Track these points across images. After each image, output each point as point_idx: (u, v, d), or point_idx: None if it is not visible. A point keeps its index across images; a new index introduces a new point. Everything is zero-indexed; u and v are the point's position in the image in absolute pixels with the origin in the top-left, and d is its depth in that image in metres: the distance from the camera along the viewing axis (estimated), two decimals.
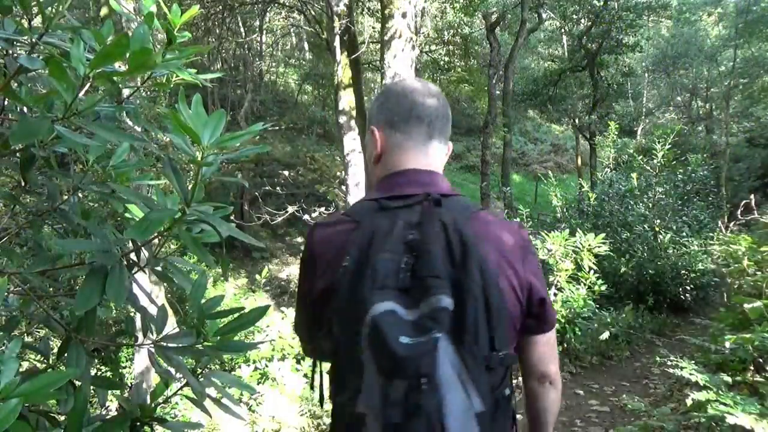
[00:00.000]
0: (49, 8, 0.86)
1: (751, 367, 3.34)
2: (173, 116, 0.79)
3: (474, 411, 0.83)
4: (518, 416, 1.08)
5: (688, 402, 2.83)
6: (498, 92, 13.70)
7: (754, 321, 3.39)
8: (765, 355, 3.30)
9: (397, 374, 0.82)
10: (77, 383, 0.95)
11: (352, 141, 6.49)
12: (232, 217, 8.52)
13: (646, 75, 20.97)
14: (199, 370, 1.03)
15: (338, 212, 1.13)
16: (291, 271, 11.20)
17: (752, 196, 8.64)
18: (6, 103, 1.02)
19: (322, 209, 11.11)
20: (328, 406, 1.02)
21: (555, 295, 5.27)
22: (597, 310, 5.50)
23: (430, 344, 0.82)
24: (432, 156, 1.08)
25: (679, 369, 3.08)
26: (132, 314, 2.27)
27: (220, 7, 9.29)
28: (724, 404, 2.59)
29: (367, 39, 10.66)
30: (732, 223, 8.35)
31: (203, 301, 1.01)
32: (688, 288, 6.38)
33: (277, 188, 11.39)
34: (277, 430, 4.00)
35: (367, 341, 0.83)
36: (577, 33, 14.49)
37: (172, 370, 1.02)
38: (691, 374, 2.96)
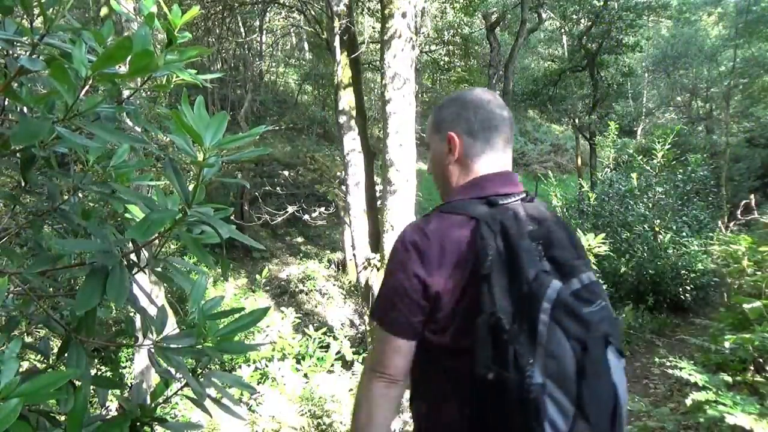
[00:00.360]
0: (51, 9, 0.86)
1: (751, 367, 3.34)
2: (176, 117, 0.80)
3: (621, 365, 0.99)
4: None
5: (688, 402, 2.83)
6: (498, 92, 13.70)
7: (754, 321, 3.40)
8: (765, 355, 3.30)
9: (586, 337, 0.95)
10: (77, 383, 0.95)
11: (351, 141, 6.49)
12: (232, 218, 8.49)
13: (646, 75, 20.97)
14: (199, 371, 1.03)
15: (436, 211, 1.15)
16: (291, 271, 11.20)
17: (752, 196, 8.64)
18: (6, 103, 1.02)
19: (322, 209, 11.12)
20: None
21: None
22: None
23: (606, 311, 1.00)
24: (509, 160, 1.22)
25: (679, 369, 3.08)
26: (132, 314, 2.27)
27: (220, 7, 9.29)
28: (724, 404, 2.59)
29: (367, 39, 10.66)
30: (732, 223, 8.36)
31: (203, 301, 1.02)
32: (688, 288, 6.38)
33: (277, 188, 11.39)
34: (277, 430, 4.00)
35: (550, 317, 0.94)
36: (577, 33, 14.48)
37: (172, 370, 1.02)
38: (690, 375, 2.96)
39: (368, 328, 6.19)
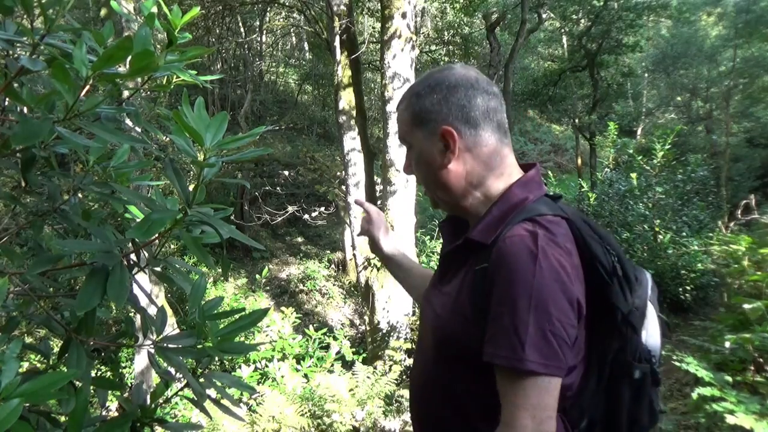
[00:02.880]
0: (51, 9, 0.86)
1: (751, 367, 3.34)
2: (176, 118, 0.80)
3: None
4: None
5: (694, 396, 2.83)
6: None
7: (754, 321, 3.40)
8: (765, 355, 3.31)
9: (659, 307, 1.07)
10: (78, 384, 0.95)
11: (351, 141, 6.50)
12: (232, 218, 8.52)
13: (646, 75, 20.96)
14: (200, 371, 1.03)
15: (545, 214, 0.95)
16: (291, 271, 11.20)
17: (752, 196, 8.65)
18: (7, 103, 1.02)
19: (322, 209, 11.12)
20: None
21: None
22: None
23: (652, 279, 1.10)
24: None
25: (686, 364, 3.08)
26: (132, 315, 2.27)
27: (220, 7, 9.29)
28: (728, 401, 2.60)
29: (367, 39, 10.66)
30: (732, 223, 8.36)
31: (203, 302, 1.01)
32: (688, 288, 6.38)
33: (277, 188, 11.39)
34: (277, 430, 4.00)
35: (650, 299, 1.03)
36: (577, 33, 14.48)
37: (172, 371, 1.02)
38: (696, 370, 2.96)
39: (368, 328, 6.20)
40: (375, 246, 1.43)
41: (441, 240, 1.30)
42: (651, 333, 1.01)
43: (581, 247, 0.95)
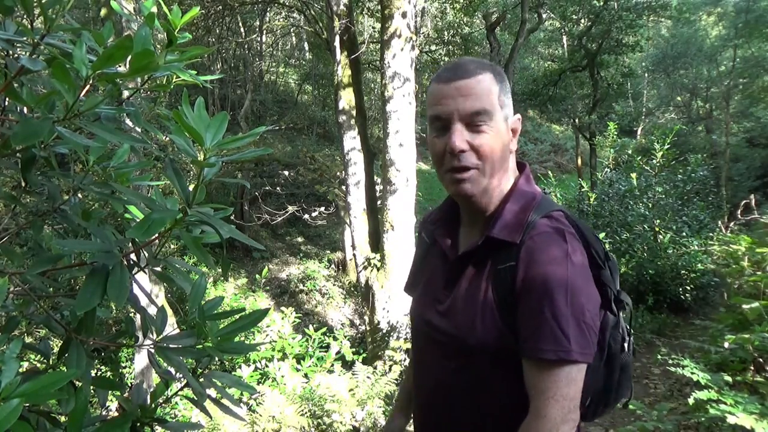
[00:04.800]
0: (51, 9, 0.86)
1: (751, 367, 3.34)
2: (176, 118, 0.80)
3: None
4: None
5: (690, 401, 2.83)
6: None
7: (753, 321, 3.40)
8: (765, 355, 3.31)
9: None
10: (78, 384, 0.95)
11: (351, 140, 6.49)
12: (232, 218, 8.52)
13: (646, 75, 20.97)
14: (200, 371, 1.03)
15: (556, 209, 1.02)
16: (291, 271, 11.20)
17: (752, 196, 8.65)
18: (7, 103, 1.02)
19: (322, 209, 11.11)
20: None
21: None
22: None
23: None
24: None
25: (681, 368, 3.09)
26: (132, 314, 2.28)
27: (220, 7, 9.29)
28: (725, 403, 2.59)
29: (367, 39, 10.66)
30: (732, 223, 8.36)
31: (203, 302, 1.01)
32: (688, 288, 6.38)
33: (277, 188, 11.39)
34: (277, 430, 4.00)
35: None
36: (577, 33, 14.48)
37: (173, 371, 1.02)
38: (692, 373, 2.96)
39: (368, 328, 6.20)
40: None
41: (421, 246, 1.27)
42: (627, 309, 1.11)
43: (580, 236, 1.00)
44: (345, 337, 6.97)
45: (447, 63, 1.14)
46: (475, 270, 1.03)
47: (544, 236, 0.95)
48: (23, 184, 1.08)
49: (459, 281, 1.05)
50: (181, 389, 1.05)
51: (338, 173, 9.10)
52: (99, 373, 5.86)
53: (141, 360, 5.32)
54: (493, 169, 1.02)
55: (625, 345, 1.06)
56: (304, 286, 10.44)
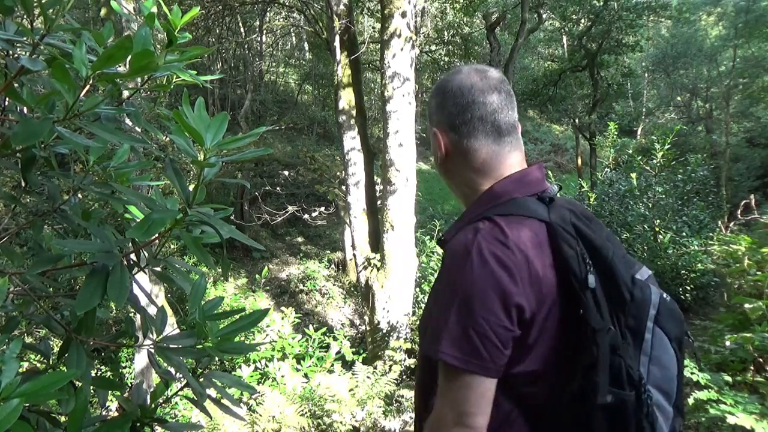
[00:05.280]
0: (51, 9, 0.86)
1: (751, 367, 3.34)
2: (177, 118, 0.80)
3: None
4: None
5: (690, 401, 2.83)
6: None
7: (754, 321, 3.40)
8: (765, 355, 3.30)
9: (682, 334, 0.94)
10: (78, 384, 0.95)
11: (351, 140, 6.49)
12: (232, 218, 8.52)
13: (646, 75, 20.97)
14: (200, 371, 1.03)
15: (511, 214, 0.95)
16: (291, 271, 11.20)
17: (752, 196, 8.65)
18: (7, 103, 1.02)
19: (322, 209, 11.12)
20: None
21: None
22: None
23: (674, 302, 0.96)
24: (516, 148, 1.11)
25: None
26: (132, 314, 2.28)
27: (220, 7, 9.29)
28: (725, 403, 2.59)
29: (367, 39, 10.66)
30: (732, 223, 8.36)
31: (203, 302, 1.01)
32: (688, 288, 6.37)
33: (277, 188, 11.40)
34: (277, 430, 4.00)
35: (654, 322, 0.91)
36: (577, 33, 14.48)
37: (172, 371, 1.02)
38: (692, 373, 2.96)
39: (368, 328, 6.20)
40: None
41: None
42: (658, 361, 0.90)
43: (555, 255, 0.91)
44: (345, 337, 6.97)
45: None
46: None
47: (458, 237, 0.93)
48: (23, 184, 1.08)
49: None
50: (181, 389, 1.05)
51: (338, 173, 9.11)
52: (99, 373, 5.86)
53: (141, 360, 5.32)
54: (443, 177, 1.12)
55: (608, 397, 0.86)
56: (304, 286, 10.44)
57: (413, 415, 4.22)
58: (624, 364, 0.86)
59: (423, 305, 6.10)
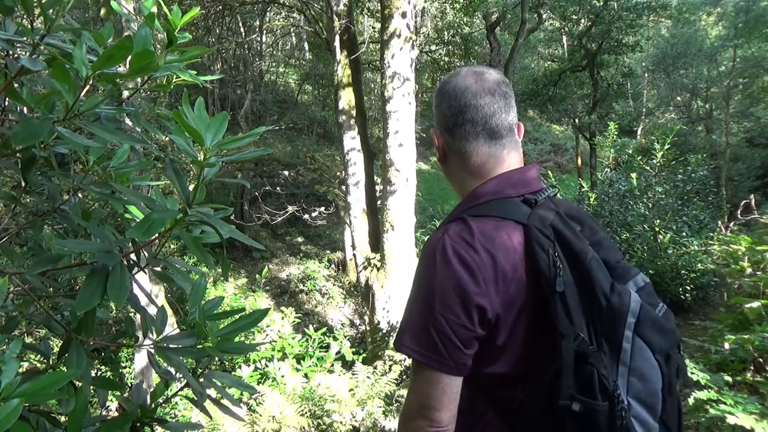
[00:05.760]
0: (51, 9, 0.86)
1: (751, 367, 3.34)
2: (177, 118, 0.80)
3: None
4: None
5: (690, 401, 2.83)
6: None
7: (753, 321, 3.40)
8: (765, 355, 3.30)
9: (669, 347, 0.89)
10: (78, 384, 0.95)
11: (351, 140, 6.49)
12: (232, 218, 8.53)
13: (646, 75, 20.97)
14: (200, 371, 1.03)
15: (459, 211, 0.97)
16: (291, 271, 11.20)
17: (752, 196, 8.66)
18: (7, 103, 1.02)
19: (322, 209, 11.12)
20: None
21: None
22: None
23: (669, 314, 0.92)
24: (512, 150, 1.11)
25: None
26: (132, 314, 2.28)
27: (220, 7, 9.29)
28: (725, 403, 2.59)
29: (367, 39, 10.66)
30: (732, 223, 8.36)
31: (203, 302, 1.01)
32: (688, 288, 6.37)
33: (277, 188, 11.40)
34: (277, 430, 4.00)
35: (634, 331, 0.87)
36: (577, 33, 14.48)
37: (172, 371, 1.02)
38: (692, 373, 2.96)
39: (368, 328, 6.20)
40: None
41: None
42: (639, 373, 0.86)
43: (529, 257, 0.90)
44: (345, 337, 6.97)
45: None
46: None
47: (431, 238, 0.96)
48: (23, 184, 1.08)
49: None
50: (181, 389, 1.05)
51: (338, 173, 9.11)
52: (99, 373, 5.86)
53: (141, 360, 5.32)
54: (445, 177, 1.15)
55: (575, 405, 0.83)
56: (304, 286, 10.44)
57: None
58: (597, 373, 0.83)
59: None
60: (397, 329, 0.99)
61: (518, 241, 0.91)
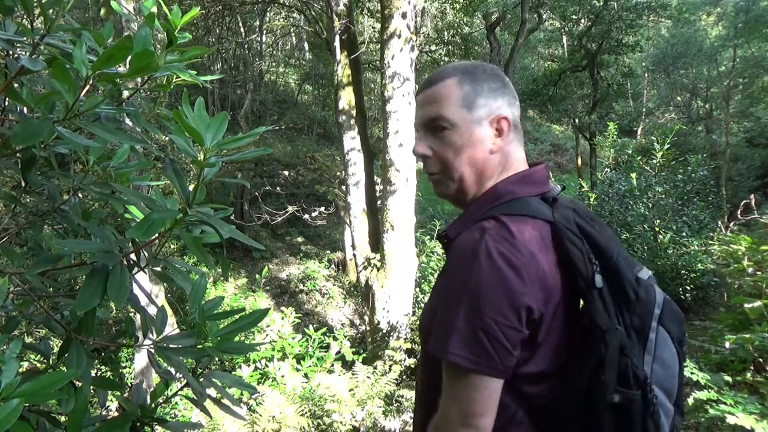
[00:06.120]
0: (51, 9, 0.86)
1: (751, 367, 3.34)
2: (177, 118, 0.80)
3: None
4: None
5: (690, 401, 2.83)
6: None
7: (754, 321, 3.40)
8: (765, 355, 3.30)
9: (682, 335, 0.95)
10: (78, 384, 0.95)
11: (351, 140, 6.50)
12: (232, 218, 8.53)
13: (646, 75, 20.97)
14: (200, 371, 1.03)
15: (515, 213, 0.94)
16: (291, 271, 11.20)
17: (752, 196, 8.65)
18: (7, 103, 1.02)
19: (322, 209, 11.12)
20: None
21: None
22: None
23: (674, 304, 0.97)
24: None
25: None
26: (132, 314, 2.28)
27: (220, 7, 9.29)
28: (725, 403, 2.59)
29: (367, 39, 10.66)
30: (732, 223, 8.35)
31: (203, 302, 1.01)
32: (688, 288, 6.37)
33: (277, 188, 11.40)
34: (277, 430, 4.00)
35: (659, 321, 0.92)
36: (577, 33, 14.49)
37: (172, 371, 1.02)
38: (692, 373, 2.96)
39: (368, 328, 6.20)
40: None
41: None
42: (662, 361, 0.92)
43: (560, 255, 0.92)
44: (345, 337, 6.97)
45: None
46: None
47: (465, 236, 0.92)
48: (23, 184, 1.08)
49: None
50: (181, 389, 1.05)
51: (338, 173, 9.11)
52: (99, 373, 5.86)
53: (141, 360, 5.32)
54: (459, 172, 1.00)
55: (615, 396, 0.86)
56: (304, 286, 10.44)
57: (413, 414, 4.21)
58: (630, 364, 0.87)
59: (423, 305, 6.11)
60: (433, 335, 0.91)
61: (548, 239, 0.92)
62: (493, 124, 1.01)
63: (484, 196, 1.01)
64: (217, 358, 1.01)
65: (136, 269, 0.99)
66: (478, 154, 1.00)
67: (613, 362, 0.87)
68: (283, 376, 5.32)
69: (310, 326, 6.67)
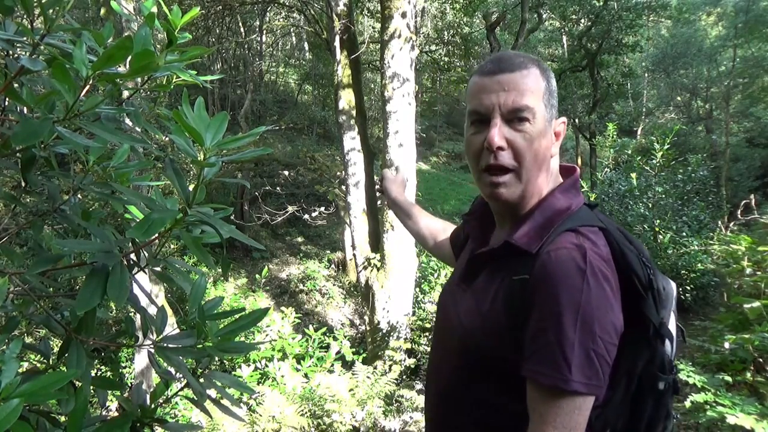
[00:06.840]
0: (51, 9, 0.86)
1: (751, 367, 3.34)
2: (177, 118, 0.80)
3: None
4: None
5: (687, 404, 2.84)
6: None
7: (753, 321, 3.40)
8: (765, 355, 3.31)
9: (677, 318, 1.05)
10: (78, 384, 0.95)
11: (351, 140, 6.50)
12: (232, 218, 8.53)
13: (646, 75, 20.97)
14: (200, 371, 1.03)
15: (588, 225, 0.93)
16: (291, 271, 11.21)
17: (752, 196, 8.67)
18: (7, 103, 1.02)
19: (322, 209, 11.12)
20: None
21: None
22: None
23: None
24: None
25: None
26: (132, 314, 2.28)
27: (220, 7, 9.29)
28: (723, 405, 2.59)
29: (367, 39, 10.66)
30: (732, 223, 8.36)
31: (203, 301, 1.01)
32: (688, 288, 6.37)
33: (277, 188, 11.40)
34: (277, 430, 4.00)
35: (674, 312, 1.03)
36: (577, 33, 14.49)
37: (173, 371, 1.02)
38: (688, 376, 2.96)
39: (368, 328, 6.20)
40: (385, 193, 1.65)
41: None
42: (673, 342, 1.01)
43: (618, 259, 0.91)
44: (345, 337, 6.97)
45: (491, 55, 1.08)
46: (492, 272, 1.00)
47: (562, 252, 0.88)
48: (23, 184, 1.08)
49: (476, 278, 1.03)
50: (181, 389, 1.05)
51: (338, 173, 9.11)
52: (99, 373, 5.86)
53: (141, 360, 5.32)
54: (530, 172, 0.96)
55: (661, 384, 0.92)
56: (304, 286, 10.44)
57: (413, 414, 4.19)
58: (663, 353, 0.95)
59: (423, 305, 6.10)
60: (545, 363, 0.84)
61: (609, 247, 0.93)
62: (556, 127, 1.01)
63: (548, 205, 0.98)
64: (217, 358, 1.01)
65: (136, 269, 0.99)
66: (547, 156, 0.98)
67: (662, 354, 0.93)
68: (283, 376, 5.32)
69: (310, 326, 6.67)
